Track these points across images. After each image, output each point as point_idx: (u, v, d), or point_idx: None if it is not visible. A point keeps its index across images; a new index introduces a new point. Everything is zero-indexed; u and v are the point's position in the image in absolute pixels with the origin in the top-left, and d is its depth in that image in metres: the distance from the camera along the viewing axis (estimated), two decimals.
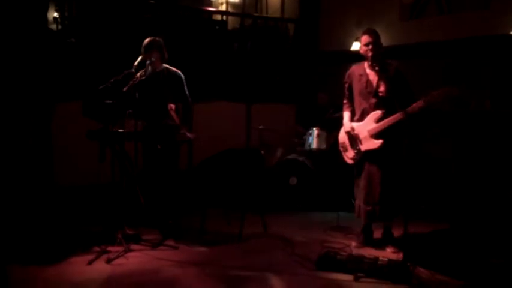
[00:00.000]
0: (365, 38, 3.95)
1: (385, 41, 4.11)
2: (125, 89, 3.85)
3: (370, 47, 3.92)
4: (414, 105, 3.70)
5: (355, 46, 6.18)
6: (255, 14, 7.17)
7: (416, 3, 5.81)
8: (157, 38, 4.36)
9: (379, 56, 3.94)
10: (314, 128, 5.66)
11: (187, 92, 4.51)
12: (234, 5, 8.59)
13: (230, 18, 7.46)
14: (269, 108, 6.88)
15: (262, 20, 7.10)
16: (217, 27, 6.73)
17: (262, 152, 5.37)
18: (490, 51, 5.02)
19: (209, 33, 6.53)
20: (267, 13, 7.69)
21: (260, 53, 6.86)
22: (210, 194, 5.40)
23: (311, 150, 5.74)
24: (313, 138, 5.65)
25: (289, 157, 5.68)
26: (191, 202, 5.27)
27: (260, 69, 6.83)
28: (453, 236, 3.97)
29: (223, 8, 8.68)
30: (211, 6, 8.45)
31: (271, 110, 6.87)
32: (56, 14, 6.73)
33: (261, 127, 5.53)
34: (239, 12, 7.55)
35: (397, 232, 4.12)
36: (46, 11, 5.61)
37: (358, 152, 4.09)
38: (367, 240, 4.22)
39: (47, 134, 5.20)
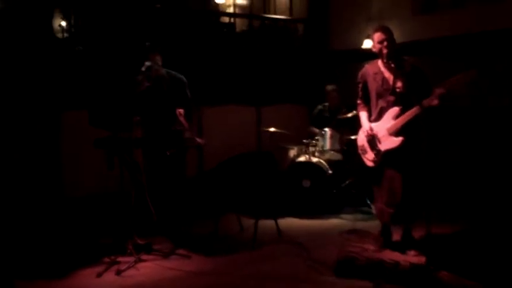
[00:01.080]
0: (378, 36, 3.80)
1: (397, 37, 3.95)
2: (131, 95, 3.75)
3: (385, 44, 3.76)
4: (432, 94, 3.53)
5: (366, 44, 6.02)
6: (263, 15, 7.03)
7: None
8: (158, 42, 4.28)
9: (394, 53, 3.79)
10: (327, 129, 5.51)
11: (189, 95, 4.41)
12: (241, 7, 8.48)
13: (238, 20, 7.35)
14: (280, 110, 6.76)
15: (271, 21, 6.98)
16: (225, 30, 6.62)
17: (274, 155, 5.26)
18: (509, 45, 4.80)
19: (217, 36, 6.43)
20: (275, 14, 7.56)
21: (269, 54, 6.74)
22: (223, 200, 5.28)
23: (324, 151, 5.60)
24: (327, 139, 5.50)
25: (302, 159, 5.53)
26: (204, 208, 5.17)
27: (270, 71, 6.72)
28: (478, 237, 3.79)
29: (230, 10, 8.57)
30: (217, 8, 8.34)
31: (283, 111, 6.75)
32: (62, 22, 6.67)
33: (272, 129, 5.41)
34: (247, 13, 7.43)
35: (417, 234, 3.96)
36: (51, 18, 5.55)
37: (378, 153, 3.93)
38: (386, 244, 4.06)
39: (56, 144, 5.13)
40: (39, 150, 5.02)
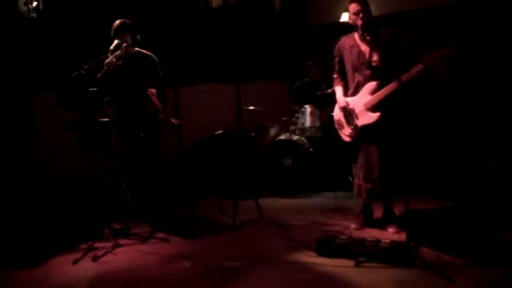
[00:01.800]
0: (353, 7, 3.68)
1: (378, 9, 3.83)
2: (99, 75, 3.58)
3: (360, 15, 3.65)
4: (411, 71, 3.46)
5: (345, 17, 5.90)
6: None
7: None
8: (127, 20, 4.09)
9: (369, 25, 3.68)
10: (307, 106, 5.42)
11: (161, 74, 4.27)
12: None
13: None
14: (260, 87, 6.66)
15: None
16: (200, 6, 6.42)
17: (253, 133, 5.16)
18: (489, 14, 4.71)
19: (192, 12, 6.23)
20: None
21: (247, 30, 6.59)
22: (201, 181, 5.18)
23: (305, 129, 5.52)
24: (307, 116, 5.42)
25: (282, 137, 5.44)
26: (183, 191, 5.08)
27: (248, 48, 6.57)
28: (458, 212, 3.76)
29: None
30: None
31: (263, 88, 6.65)
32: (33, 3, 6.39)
33: (251, 108, 5.30)
34: None
35: (398, 210, 3.93)
36: None
37: (355, 128, 3.85)
38: (368, 221, 4.03)
39: (29, 127, 4.96)
40: (13, 134, 4.85)
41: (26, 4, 5.25)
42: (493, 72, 4.59)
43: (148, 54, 4.30)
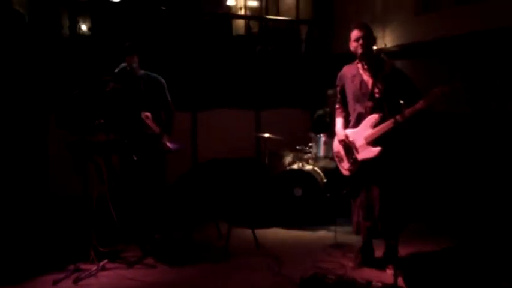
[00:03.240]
0: (355, 33, 3.53)
1: (401, 38, 3.63)
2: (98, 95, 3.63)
3: (360, 42, 3.48)
4: (414, 106, 3.25)
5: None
6: (266, 17, 6.81)
7: None
8: (135, 42, 4.14)
9: (371, 53, 3.50)
10: (321, 135, 5.23)
11: (169, 98, 4.25)
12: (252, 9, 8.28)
13: (238, 22, 7.18)
14: (281, 114, 6.54)
15: (273, 23, 6.76)
16: (223, 33, 6.47)
17: (270, 161, 5.03)
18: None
19: (216, 39, 6.28)
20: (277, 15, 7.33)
21: (271, 57, 6.54)
22: (202, 206, 5.07)
23: (319, 159, 5.32)
24: (321, 146, 5.22)
25: (295, 167, 5.26)
26: (185, 215, 5.00)
27: (271, 74, 6.51)
28: (459, 255, 3.43)
29: (241, 12, 8.40)
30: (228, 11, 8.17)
31: (284, 116, 6.52)
32: None
33: (266, 135, 5.17)
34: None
35: (401, 251, 3.64)
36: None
37: (355, 162, 3.65)
38: (367, 260, 3.77)
39: (44, 144, 5.08)
40: (27, 149, 4.97)
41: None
42: None
43: (155, 76, 4.32)
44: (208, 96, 6.11)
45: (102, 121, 3.61)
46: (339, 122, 3.79)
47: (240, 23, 7.16)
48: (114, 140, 3.70)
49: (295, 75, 6.68)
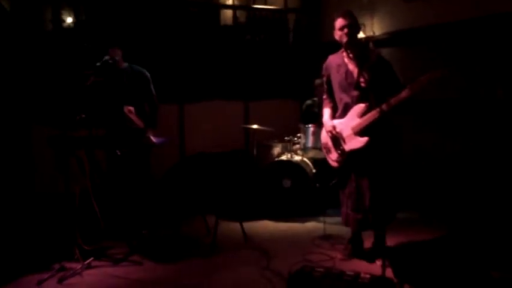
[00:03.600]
0: (339, 21, 3.44)
1: (390, 25, 3.56)
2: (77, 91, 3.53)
3: (345, 30, 3.40)
4: (399, 95, 3.19)
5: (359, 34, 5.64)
6: (253, 6, 6.69)
7: None
8: (118, 35, 4.05)
9: (356, 42, 3.43)
10: (310, 125, 5.17)
11: (153, 92, 4.17)
12: None
13: (225, 12, 7.05)
14: (270, 105, 6.48)
15: (259, 12, 6.65)
16: (209, 23, 6.35)
17: (255, 152, 4.96)
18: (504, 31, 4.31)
19: (202, 29, 6.17)
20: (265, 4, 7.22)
21: (259, 47, 6.45)
22: (190, 200, 5.01)
23: (308, 150, 5.26)
24: (309, 136, 5.16)
25: (283, 158, 5.21)
26: (172, 209, 4.94)
27: (259, 64, 6.42)
28: (449, 245, 3.40)
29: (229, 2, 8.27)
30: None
31: (273, 106, 6.46)
32: None
33: (254, 126, 5.11)
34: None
35: (392, 241, 3.61)
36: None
37: (342, 153, 3.60)
38: (356, 252, 3.73)
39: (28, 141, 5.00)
40: (12, 145, 4.88)
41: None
42: (506, 94, 4.18)
43: (139, 69, 4.24)
44: (195, 88, 6.03)
45: (83, 116, 3.52)
46: (326, 112, 3.73)
47: (228, 12, 7.02)
48: (96, 135, 3.62)
49: (284, 65, 6.61)
